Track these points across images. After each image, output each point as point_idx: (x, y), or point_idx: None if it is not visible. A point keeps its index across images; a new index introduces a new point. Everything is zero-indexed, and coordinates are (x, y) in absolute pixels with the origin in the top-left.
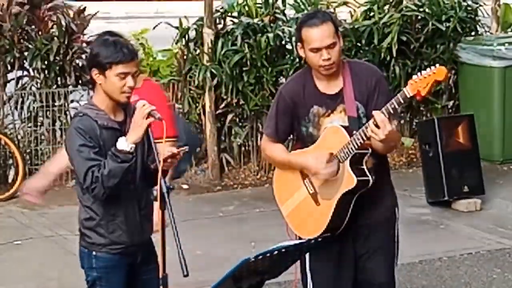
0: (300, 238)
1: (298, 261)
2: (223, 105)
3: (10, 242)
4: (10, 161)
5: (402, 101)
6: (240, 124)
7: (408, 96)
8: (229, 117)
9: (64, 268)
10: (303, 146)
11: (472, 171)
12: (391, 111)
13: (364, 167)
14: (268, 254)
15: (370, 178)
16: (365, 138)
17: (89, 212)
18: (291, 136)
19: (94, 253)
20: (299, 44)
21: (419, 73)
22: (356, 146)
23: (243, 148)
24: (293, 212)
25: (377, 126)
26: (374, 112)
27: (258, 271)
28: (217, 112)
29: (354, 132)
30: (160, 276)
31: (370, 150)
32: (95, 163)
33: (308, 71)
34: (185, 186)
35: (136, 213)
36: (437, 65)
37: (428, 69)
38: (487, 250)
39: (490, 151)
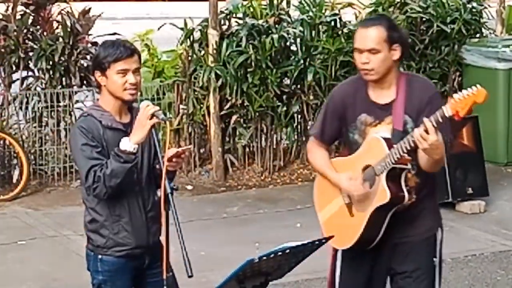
0: (334, 249)
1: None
2: (227, 106)
3: (14, 242)
4: (15, 161)
5: (440, 120)
6: (245, 125)
7: (447, 115)
8: (234, 118)
9: (68, 268)
10: (350, 152)
11: (476, 173)
12: (435, 124)
13: (402, 182)
14: (272, 255)
15: (405, 194)
16: (405, 151)
17: (93, 214)
18: (337, 140)
19: (99, 256)
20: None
21: (460, 93)
22: (394, 160)
23: (247, 149)
24: (329, 220)
25: (426, 131)
26: (424, 119)
27: (262, 272)
28: (222, 113)
29: (394, 145)
30: (164, 277)
31: (409, 166)
32: (97, 162)
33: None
34: (189, 187)
35: (142, 215)
36: (478, 86)
37: (469, 89)
38: (491, 252)
39: (494, 153)
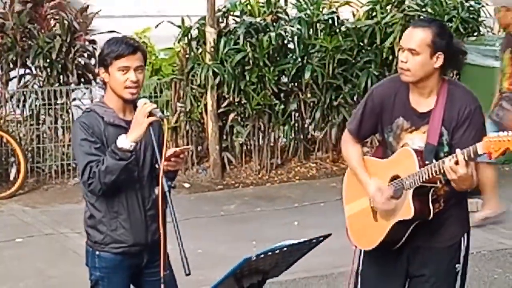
0: (356, 246)
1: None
2: (225, 104)
3: (12, 240)
4: (12, 159)
5: (472, 156)
6: (242, 123)
7: (479, 153)
8: (231, 116)
9: (65, 266)
10: (384, 151)
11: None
12: (466, 158)
13: (429, 198)
14: (269, 253)
15: (431, 210)
16: (435, 174)
17: (92, 209)
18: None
19: (97, 252)
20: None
21: (496, 133)
22: (423, 179)
23: (244, 147)
24: (354, 216)
25: (456, 163)
26: (457, 151)
27: (260, 270)
28: (219, 111)
29: (427, 162)
30: (162, 275)
31: (439, 184)
32: (95, 158)
33: None
34: (186, 185)
35: (141, 213)
36: None
37: (506, 133)
38: (488, 251)
39: None
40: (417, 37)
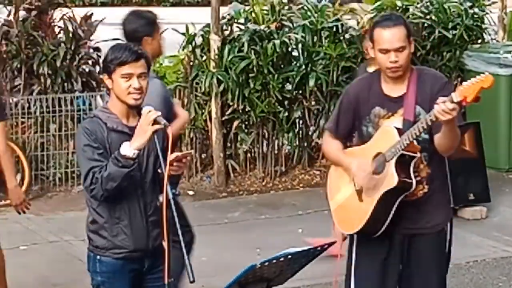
0: (344, 235)
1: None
2: (229, 111)
3: (16, 248)
4: (17, 167)
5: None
6: (246, 130)
7: (456, 101)
8: (235, 123)
9: (69, 273)
10: (363, 144)
11: (477, 179)
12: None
13: (411, 170)
14: (274, 261)
15: (413, 181)
16: (414, 137)
17: (94, 215)
18: (352, 134)
19: (98, 257)
20: (370, 43)
21: (468, 81)
22: (403, 146)
23: (248, 155)
24: (339, 207)
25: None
26: (439, 99)
27: (264, 278)
28: (223, 118)
29: (405, 132)
30: (166, 282)
31: (419, 155)
32: (98, 164)
33: (377, 73)
34: (190, 192)
35: (143, 219)
36: (486, 73)
37: (477, 77)
38: (492, 258)
39: (496, 159)
40: (399, 34)
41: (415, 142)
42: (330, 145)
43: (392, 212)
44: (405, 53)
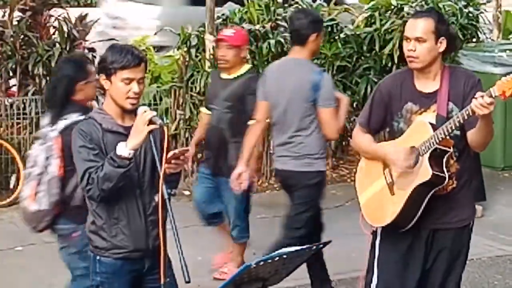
0: (373, 232)
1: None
2: None
3: (11, 249)
4: (12, 167)
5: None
6: None
7: (494, 95)
8: None
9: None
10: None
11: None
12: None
13: (443, 164)
14: (269, 260)
15: (446, 175)
16: (450, 131)
17: (93, 215)
18: (383, 130)
19: (98, 257)
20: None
21: (507, 76)
22: (438, 141)
23: None
24: (368, 201)
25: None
26: (477, 94)
27: (259, 277)
28: None
29: (440, 127)
30: (162, 282)
31: (451, 150)
32: (93, 164)
33: (409, 69)
34: (186, 192)
35: (142, 219)
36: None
37: None
38: (488, 257)
39: (491, 158)
40: (422, 26)
41: (448, 137)
42: (362, 139)
43: (423, 206)
44: (424, 46)
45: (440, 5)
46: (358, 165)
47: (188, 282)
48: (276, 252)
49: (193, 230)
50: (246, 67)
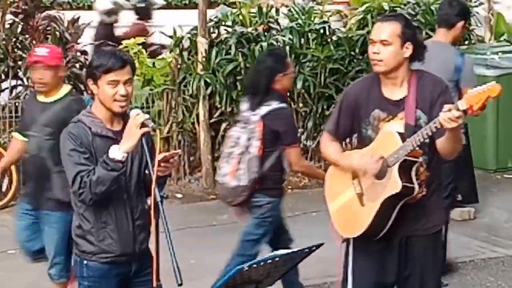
0: (345, 240)
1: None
2: (217, 114)
3: (4, 252)
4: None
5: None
6: None
7: (461, 109)
8: (223, 126)
9: None
10: (363, 147)
11: (465, 179)
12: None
13: (413, 175)
14: (261, 263)
15: (416, 186)
16: (418, 143)
17: (81, 219)
18: (351, 136)
19: (85, 262)
20: None
21: (474, 88)
22: (407, 152)
23: None
24: (339, 210)
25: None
26: (445, 106)
27: (252, 280)
28: (211, 121)
29: (408, 138)
30: (154, 285)
31: (421, 159)
32: (85, 168)
33: (376, 76)
34: (179, 195)
35: (129, 223)
36: (493, 82)
37: (484, 85)
38: (481, 259)
39: (483, 160)
40: (388, 29)
41: (416, 148)
42: (329, 147)
43: (394, 216)
44: (389, 49)
45: (432, 7)
46: (327, 172)
47: (181, 284)
48: (269, 254)
49: (186, 233)
50: (67, 88)
